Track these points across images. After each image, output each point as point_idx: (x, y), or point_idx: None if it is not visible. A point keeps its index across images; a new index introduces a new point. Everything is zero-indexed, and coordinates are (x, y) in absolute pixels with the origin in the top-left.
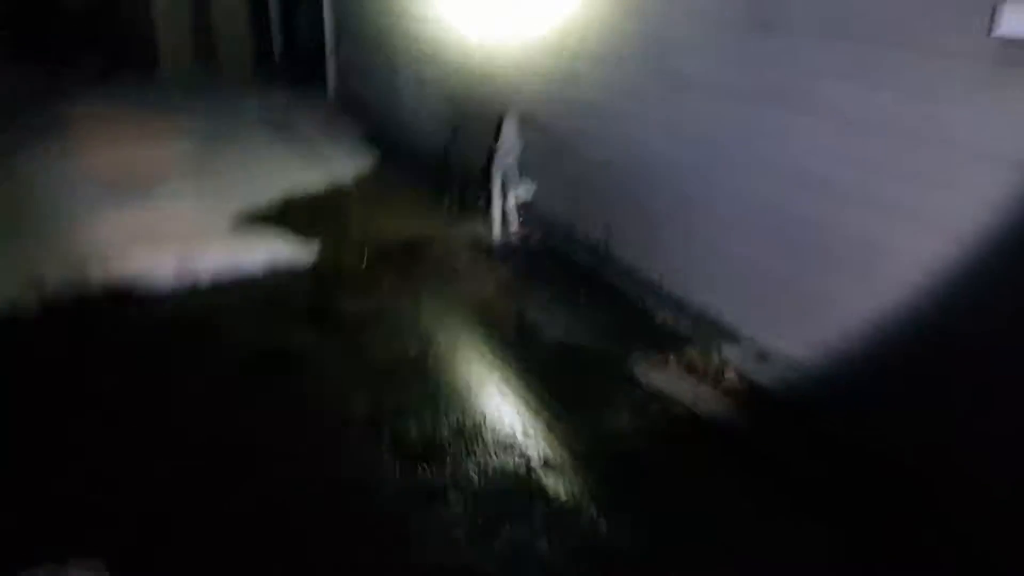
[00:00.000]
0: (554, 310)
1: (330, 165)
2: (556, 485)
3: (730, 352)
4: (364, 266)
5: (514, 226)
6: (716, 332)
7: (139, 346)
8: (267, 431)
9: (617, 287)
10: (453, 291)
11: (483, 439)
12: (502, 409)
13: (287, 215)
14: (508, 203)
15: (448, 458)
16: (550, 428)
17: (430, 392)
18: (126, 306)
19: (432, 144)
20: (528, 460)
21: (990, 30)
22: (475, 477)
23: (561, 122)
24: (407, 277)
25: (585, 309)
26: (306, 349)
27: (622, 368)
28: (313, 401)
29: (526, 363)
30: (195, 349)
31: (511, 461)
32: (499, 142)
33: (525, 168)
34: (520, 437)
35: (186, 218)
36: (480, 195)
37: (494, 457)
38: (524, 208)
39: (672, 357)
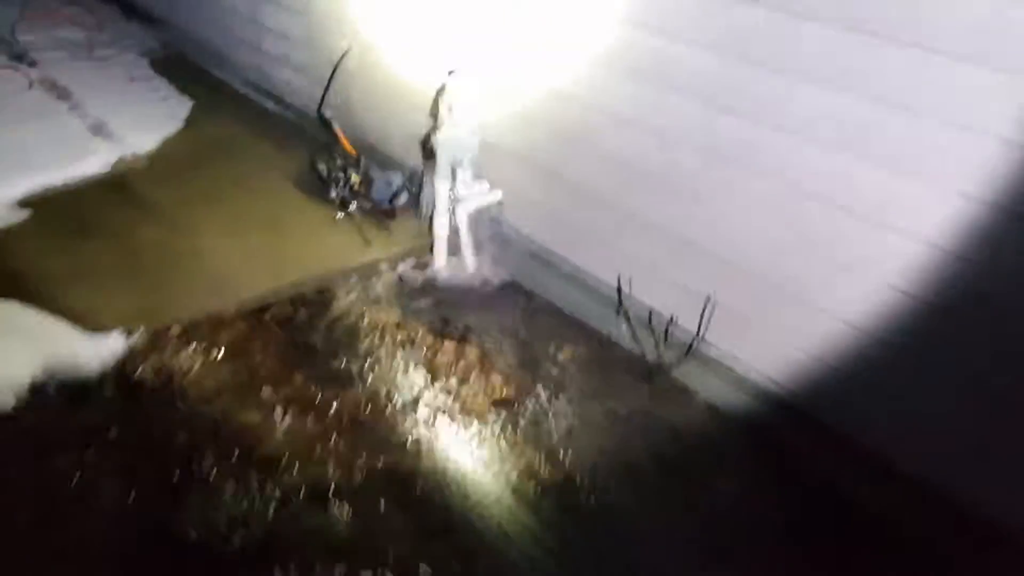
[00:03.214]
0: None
1: (107, 124)
2: None
3: None
4: (206, 377)
5: (468, 254)
6: None
7: None
8: None
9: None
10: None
11: None
12: None
13: (34, 255)
14: (458, 215)
15: None
16: None
17: None
18: None
19: (293, 79)
20: None
21: None
22: None
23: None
24: (308, 404)
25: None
26: None
27: None
28: None
29: None
30: None
31: None
32: (443, 107)
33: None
34: None
35: None
36: (399, 192)
37: None
38: (483, 223)
39: None
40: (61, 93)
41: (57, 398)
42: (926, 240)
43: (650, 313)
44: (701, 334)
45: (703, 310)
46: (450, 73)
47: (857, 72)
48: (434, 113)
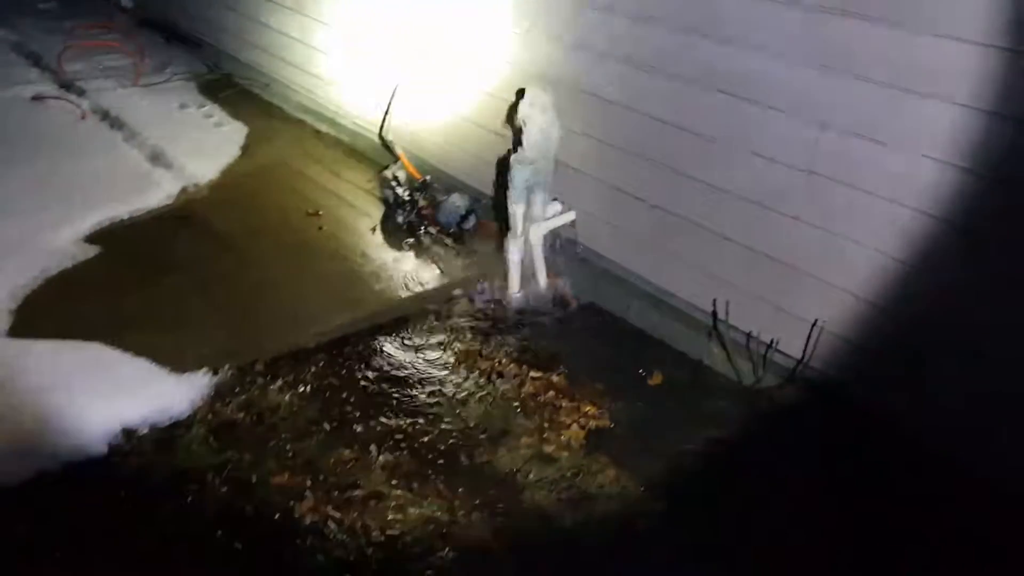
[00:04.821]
0: None
1: (165, 153)
2: None
3: None
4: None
5: (543, 277)
6: None
7: None
8: None
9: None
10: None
11: None
12: None
13: (109, 293)
14: (532, 237)
15: None
16: None
17: None
18: None
19: (346, 101)
20: None
21: None
22: None
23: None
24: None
25: None
26: None
27: None
28: None
29: None
30: None
31: None
32: (522, 131)
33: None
34: None
35: None
36: (467, 214)
37: None
38: (557, 245)
39: None
40: (114, 122)
41: (150, 442)
42: None
43: (748, 336)
44: (806, 359)
45: (809, 334)
46: (521, 93)
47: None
48: (509, 133)
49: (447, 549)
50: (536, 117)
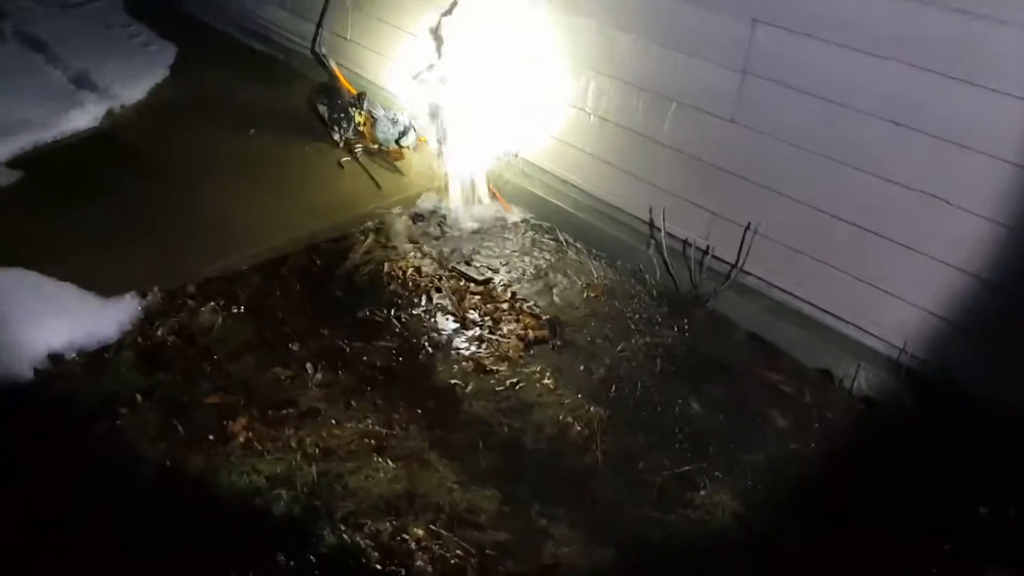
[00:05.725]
0: None
1: (89, 75)
2: None
3: None
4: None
5: (484, 193)
6: None
7: None
8: None
9: None
10: None
11: None
12: None
13: (33, 218)
14: (472, 152)
15: None
16: None
17: None
18: None
19: (280, 17)
20: None
21: None
22: None
23: None
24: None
25: None
26: None
27: None
28: None
29: None
30: None
31: None
32: (443, 46)
33: None
34: None
35: None
36: (406, 130)
37: None
38: (500, 160)
39: None
40: (35, 44)
41: (78, 366)
42: None
43: (684, 243)
44: (740, 263)
45: (743, 238)
46: (444, 13)
47: None
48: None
49: (388, 461)
50: (458, 33)
